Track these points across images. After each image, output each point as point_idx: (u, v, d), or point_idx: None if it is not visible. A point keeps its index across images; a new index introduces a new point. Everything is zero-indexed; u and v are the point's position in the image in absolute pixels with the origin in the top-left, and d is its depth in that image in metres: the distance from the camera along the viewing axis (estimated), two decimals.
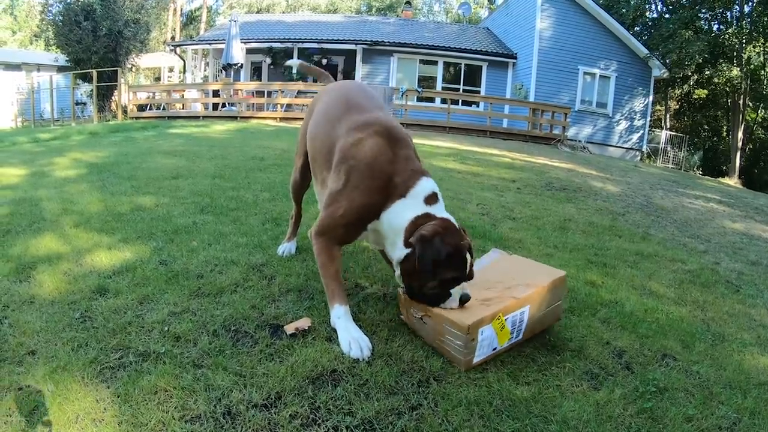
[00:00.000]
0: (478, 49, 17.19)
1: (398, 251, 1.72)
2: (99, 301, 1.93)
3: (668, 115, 23.99)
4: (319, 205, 2.02)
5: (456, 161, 7.04)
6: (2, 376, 1.47)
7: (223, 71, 16.00)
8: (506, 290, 1.77)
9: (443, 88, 16.78)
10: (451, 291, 1.67)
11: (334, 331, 1.73)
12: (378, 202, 1.74)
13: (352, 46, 16.93)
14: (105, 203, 3.31)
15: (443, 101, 14.69)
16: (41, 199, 3.37)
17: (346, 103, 2.01)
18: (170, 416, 1.32)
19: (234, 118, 13.15)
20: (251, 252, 2.49)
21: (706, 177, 16.09)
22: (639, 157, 16.94)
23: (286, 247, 2.49)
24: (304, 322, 1.72)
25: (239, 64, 14.82)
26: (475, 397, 1.48)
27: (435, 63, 17.20)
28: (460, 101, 15.78)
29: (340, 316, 1.71)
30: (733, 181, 17.13)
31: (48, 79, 15.33)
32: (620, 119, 16.87)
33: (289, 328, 1.68)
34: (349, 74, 17.80)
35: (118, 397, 1.39)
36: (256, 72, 19.22)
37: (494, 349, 1.66)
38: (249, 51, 17.29)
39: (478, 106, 15.51)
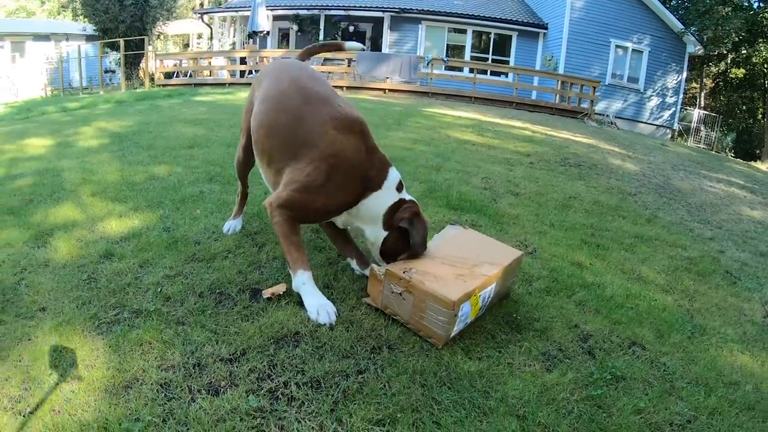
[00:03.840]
0: (509, 18, 16.62)
1: (377, 232, 1.94)
2: (105, 264, 2.14)
3: (703, 94, 22.82)
4: (271, 188, 2.10)
5: (473, 133, 6.96)
6: (17, 328, 1.70)
7: (250, 39, 16.06)
8: (474, 267, 1.86)
9: (472, 58, 16.36)
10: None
11: (299, 296, 1.86)
12: (356, 197, 1.90)
13: (379, 14, 16.63)
14: (122, 173, 3.53)
15: (471, 71, 14.40)
16: (63, 169, 3.61)
17: (302, 91, 2.01)
18: (150, 365, 1.51)
19: None
20: (249, 221, 2.65)
21: (737, 160, 15.33)
22: (670, 135, 16.28)
23: (231, 225, 2.52)
24: (280, 288, 1.88)
25: (265, 32, 14.85)
26: (421, 367, 1.57)
27: (464, 31, 16.73)
28: (489, 71, 15.42)
29: (304, 281, 1.81)
30: (765, 166, 16.26)
31: (76, 49, 15.70)
32: (652, 95, 16.14)
33: (266, 293, 1.85)
34: (376, 41, 17.58)
35: (110, 347, 1.59)
36: (284, 39, 19.17)
37: (466, 323, 1.74)
38: (276, 18, 17.25)
39: (507, 76, 15.14)
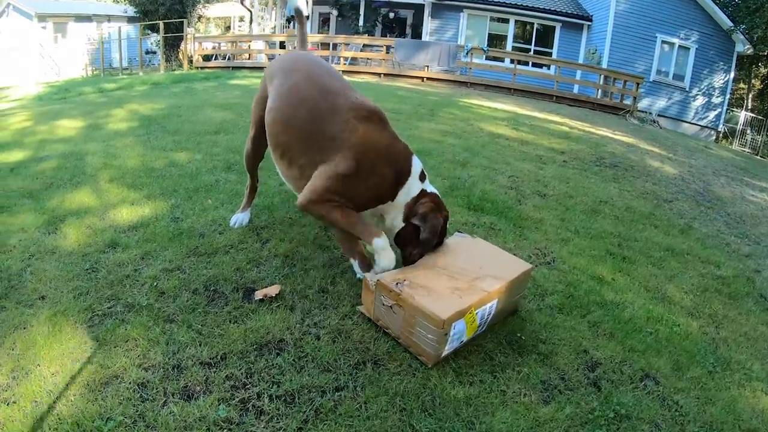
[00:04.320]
0: (553, 8, 16.02)
1: (396, 221, 1.93)
2: (108, 254, 2.15)
3: (750, 95, 21.44)
4: (291, 186, 2.10)
5: (508, 126, 6.72)
6: (15, 315, 1.73)
7: (289, 23, 16.10)
8: (475, 281, 1.74)
9: (513, 49, 15.90)
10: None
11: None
12: (393, 186, 1.89)
13: (420, 0, 16.36)
14: (143, 158, 3.57)
15: (512, 62, 14.00)
16: (88, 153, 3.69)
17: (317, 85, 2.01)
18: (132, 362, 1.50)
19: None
20: (258, 213, 2.62)
21: None
22: (714, 137, 15.40)
23: (238, 218, 2.48)
24: (273, 289, 1.84)
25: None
26: (404, 389, 1.49)
27: (506, 21, 16.24)
28: (530, 63, 14.95)
29: (384, 246, 1.81)
30: None
31: (117, 30, 16.15)
32: (697, 94, 15.30)
33: (259, 294, 1.81)
34: (417, 29, 17.31)
35: (97, 341, 1.60)
36: (324, 23, 19.16)
37: (461, 341, 1.65)
38: (316, 2, 17.21)
39: (548, 69, 14.64)
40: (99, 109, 5.86)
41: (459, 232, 2.16)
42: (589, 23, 15.70)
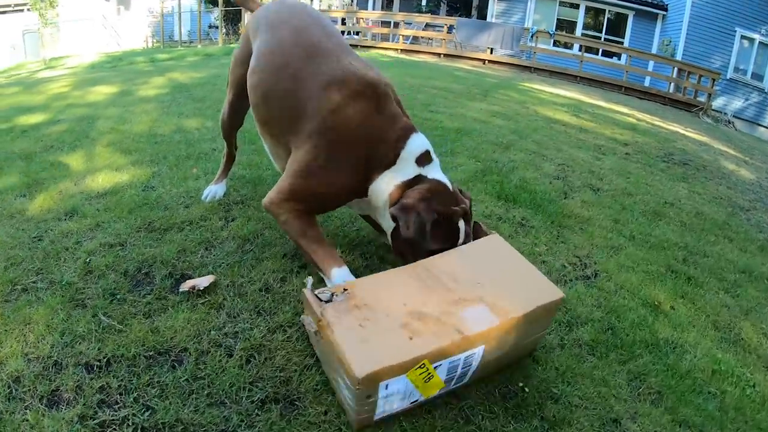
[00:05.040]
0: None
1: (386, 222, 1.52)
2: (61, 223, 1.98)
3: None
4: (277, 166, 1.80)
5: (568, 113, 6.06)
6: None
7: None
8: (459, 307, 1.20)
9: (582, 36, 14.80)
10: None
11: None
12: (364, 179, 1.52)
13: None
14: (153, 124, 3.44)
15: (580, 48, 13.00)
16: (102, 117, 3.61)
17: (305, 44, 1.63)
18: (19, 350, 1.29)
19: (355, 46, 13.09)
20: (239, 187, 2.36)
21: None
22: None
23: (211, 190, 2.21)
24: (203, 281, 1.55)
25: None
26: None
27: (576, 6, 15.11)
28: (601, 51, 13.81)
29: (344, 279, 1.40)
30: None
31: (177, 4, 16.49)
32: None
33: (186, 285, 1.53)
34: (482, 11, 16.48)
35: (2, 319, 1.40)
36: (389, 3, 18.73)
37: (414, 401, 1.17)
38: None
39: (619, 58, 13.45)
40: (139, 77, 5.90)
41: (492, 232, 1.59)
42: (664, 13, 14.39)
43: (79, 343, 1.31)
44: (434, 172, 1.51)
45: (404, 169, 1.48)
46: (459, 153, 3.33)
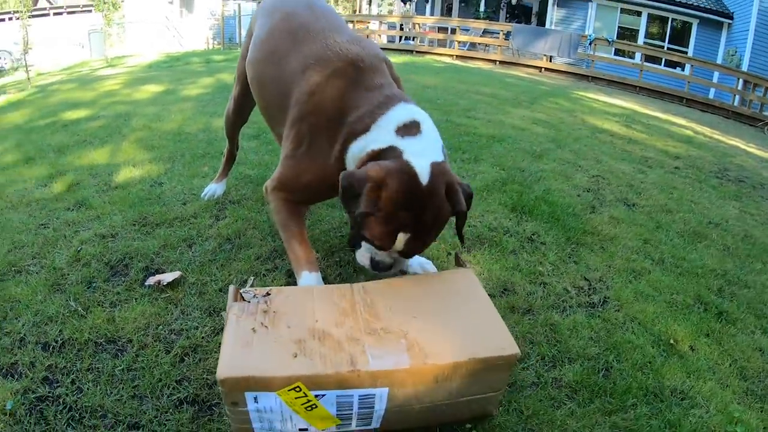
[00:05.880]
0: (690, 2, 13.74)
1: None
2: (69, 212, 2.14)
3: None
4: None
5: (619, 123, 5.71)
6: None
7: (405, 3, 15.90)
8: (367, 336, 1.07)
9: (645, 44, 14.03)
10: (363, 242, 1.30)
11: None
12: (341, 156, 1.40)
13: None
14: (182, 122, 3.62)
15: (641, 58, 12.34)
16: (139, 115, 3.84)
17: (290, 29, 1.59)
18: None
19: (410, 51, 13.13)
20: (242, 186, 2.43)
21: None
22: None
23: (211, 189, 2.25)
24: (168, 276, 1.61)
25: None
26: None
27: (638, 14, 14.32)
28: (663, 61, 13.02)
29: (311, 284, 1.36)
30: None
31: (237, 7, 17.16)
32: None
33: (152, 279, 1.60)
34: (542, 18, 16.04)
35: None
36: (448, 10, 18.65)
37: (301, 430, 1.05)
38: None
39: (682, 69, 12.60)
40: (189, 77, 6.22)
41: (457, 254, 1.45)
42: (730, 21, 13.32)
43: (46, 324, 1.41)
44: (417, 144, 1.27)
45: (378, 138, 1.29)
46: (483, 160, 3.21)
